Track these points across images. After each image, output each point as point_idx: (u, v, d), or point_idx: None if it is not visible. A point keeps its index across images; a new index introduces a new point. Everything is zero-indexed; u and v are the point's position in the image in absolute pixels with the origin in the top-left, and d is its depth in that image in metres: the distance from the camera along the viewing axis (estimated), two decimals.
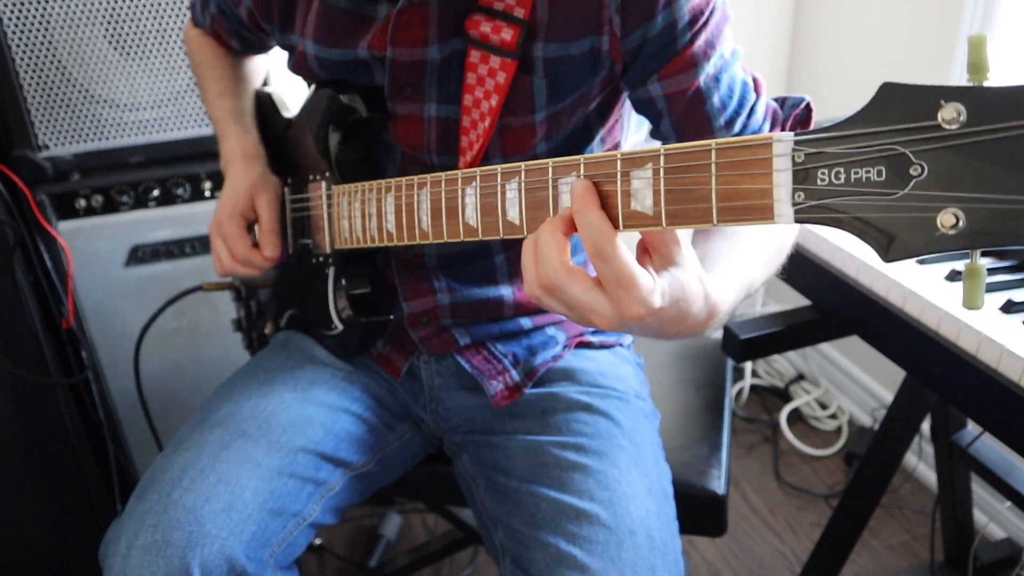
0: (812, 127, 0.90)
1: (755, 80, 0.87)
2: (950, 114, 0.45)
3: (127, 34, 1.40)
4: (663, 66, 0.81)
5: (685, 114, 0.84)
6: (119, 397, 1.59)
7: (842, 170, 0.50)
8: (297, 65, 0.96)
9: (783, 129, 0.89)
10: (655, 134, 0.90)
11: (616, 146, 1.00)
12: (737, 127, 0.85)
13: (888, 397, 2.04)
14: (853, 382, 2.17)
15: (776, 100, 0.91)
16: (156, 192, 1.50)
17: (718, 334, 1.33)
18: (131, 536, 0.84)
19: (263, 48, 1.17)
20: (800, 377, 2.32)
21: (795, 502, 1.93)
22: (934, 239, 0.47)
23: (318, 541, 1.79)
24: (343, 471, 0.99)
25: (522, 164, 0.67)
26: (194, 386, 1.64)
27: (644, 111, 0.88)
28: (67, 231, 1.45)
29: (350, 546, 1.82)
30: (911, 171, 0.47)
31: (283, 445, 0.94)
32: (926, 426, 1.72)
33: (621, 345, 1.12)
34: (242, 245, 1.01)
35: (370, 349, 1.07)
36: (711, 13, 0.80)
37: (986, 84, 0.44)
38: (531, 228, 0.67)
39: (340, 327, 1.00)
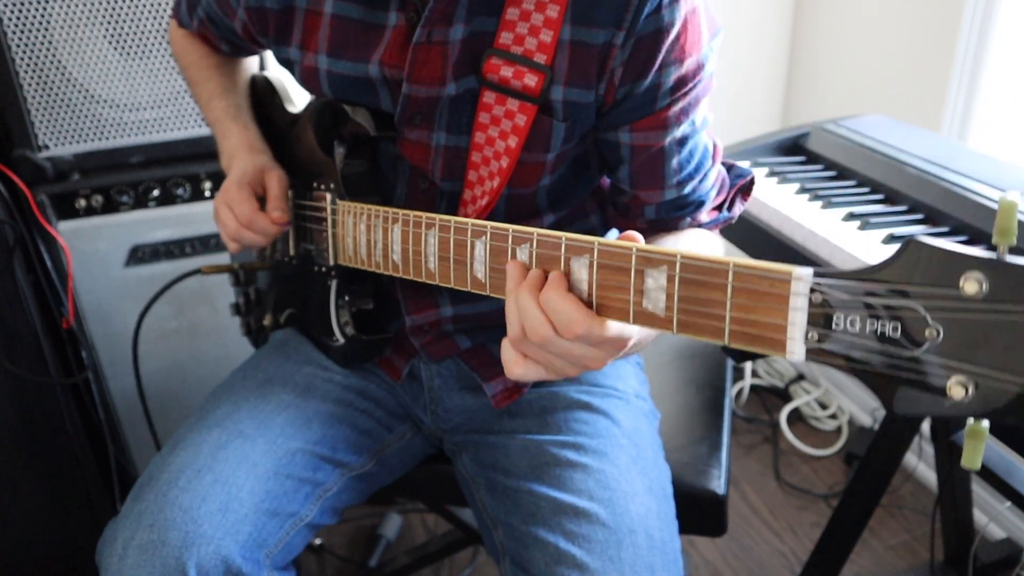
0: (750, 198, 0.97)
1: (715, 147, 0.91)
2: (973, 287, 0.45)
3: (127, 34, 1.40)
4: (637, 120, 0.84)
5: (643, 167, 0.87)
6: (119, 397, 1.59)
7: (858, 319, 0.50)
8: (306, 81, 0.95)
9: (726, 197, 0.95)
10: (608, 174, 0.93)
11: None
12: (687, 189, 0.89)
13: None
14: (853, 382, 2.17)
15: (724, 164, 0.96)
16: (156, 192, 1.50)
17: None
18: (127, 536, 0.85)
19: (253, 53, 1.16)
20: (800, 377, 2.32)
21: (795, 502, 1.93)
22: (941, 405, 0.47)
23: (318, 541, 1.79)
24: (341, 472, 0.99)
25: (535, 231, 0.68)
26: (194, 386, 1.64)
27: (607, 151, 0.90)
28: (67, 231, 1.45)
29: (350, 546, 1.82)
30: (927, 333, 0.47)
31: (281, 446, 0.94)
32: (926, 426, 1.72)
33: None
34: (248, 207, 0.98)
35: (371, 360, 1.07)
36: (695, 85, 0.83)
37: (1009, 258, 0.44)
38: None
39: (342, 341, 1.00)
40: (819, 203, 1.24)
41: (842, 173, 1.35)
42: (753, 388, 2.31)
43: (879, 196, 1.26)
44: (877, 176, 1.28)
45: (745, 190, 0.97)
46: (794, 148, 1.46)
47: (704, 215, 0.93)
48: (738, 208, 0.97)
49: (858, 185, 1.31)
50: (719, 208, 0.95)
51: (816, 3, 2.09)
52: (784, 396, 2.27)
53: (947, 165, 1.23)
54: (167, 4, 1.41)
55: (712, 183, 0.92)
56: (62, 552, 1.53)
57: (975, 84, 1.66)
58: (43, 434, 1.44)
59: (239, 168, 1.01)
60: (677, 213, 0.91)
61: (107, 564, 0.85)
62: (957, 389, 0.46)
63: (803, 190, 1.30)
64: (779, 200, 1.27)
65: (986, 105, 1.67)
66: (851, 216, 1.18)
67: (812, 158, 1.42)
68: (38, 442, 1.44)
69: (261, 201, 1.01)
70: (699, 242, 0.92)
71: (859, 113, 1.52)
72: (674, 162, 0.86)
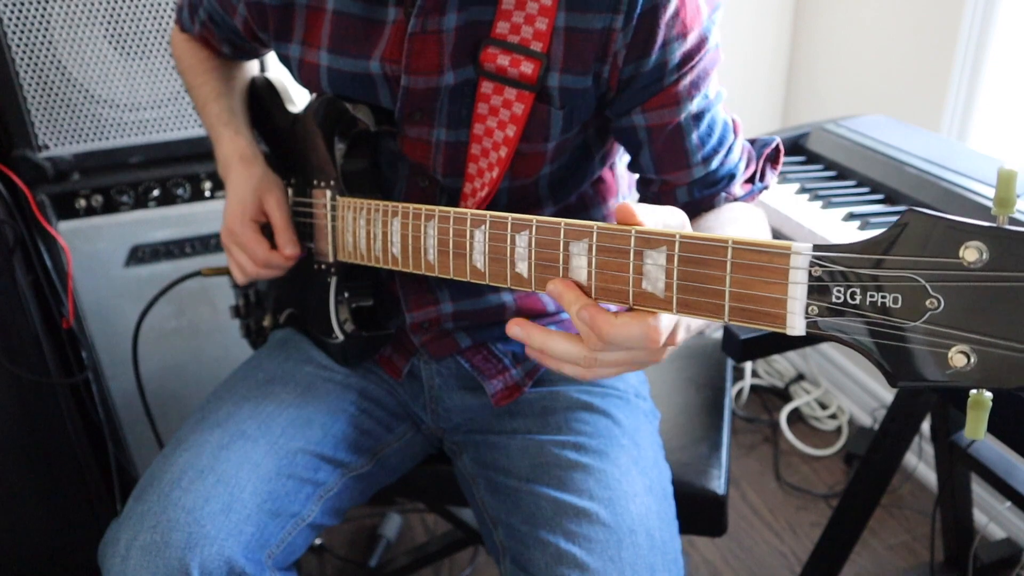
0: (780, 165, 0.95)
1: (734, 122, 0.91)
2: (973, 255, 0.45)
3: (127, 34, 1.40)
4: (648, 99, 0.84)
5: (665, 147, 0.86)
6: (119, 397, 1.59)
7: (858, 291, 0.50)
8: (305, 78, 0.95)
9: (756, 168, 0.94)
10: (633, 166, 0.92)
11: (613, 164, 1.02)
12: (714, 164, 0.88)
13: (888, 397, 2.04)
14: (853, 382, 2.17)
15: (748, 140, 0.95)
16: (156, 192, 1.50)
17: (718, 334, 1.32)
18: (130, 537, 0.85)
19: (255, 55, 1.16)
20: (800, 377, 2.32)
21: (795, 502, 1.93)
22: (943, 375, 0.47)
23: (318, 541, 1.79)
24: (342, 472, 0.99)
25: (533, 218, 0.67)
26: (194, 386, 1.64)
27: (625, 140, 0.90)
28: (67, 231, 1.45)
29: (350, 546, 1.82)
30: (928, 304, 0.47)
31: (282, 446, 0.94)
32: (926, 426, 1.72)
33: None
34: (261, 249, 0.99)
35: (371, 358, 1.07)
36: (701, 58, 0.83)
37: (1009, 227, 0.45)
38: (539, 285, 0.68)
39: (341, 338, 1.00)
40: (819, 203, 1.24)
41: (842, 173, 1.35)
42: (753, 388, 2.31)
43: (879, 196, 1.26)
44: (877, 176, 1.28)
45: (773, 158, 0.95)
46: (794, 148, 1.46)
47: (738, 188, 0.92)
48: (770, 177, 0.95)
49: (858, 185, 1.30)
50: (751, 181, 0.94)
51: (816, 3, 2.09)
52: (784, 396, 2.27)
53: (947, 165, 1.22)
54: (167, 4, 1.41)
55: (739, 156, 0.91)
56: (62, 552, 1.53)
57: (975, 84, 1.66)
58: (43, 434, 1.44)
59: (237, 196, 1.01)
60: (710, 191, 0.90)
61: (110, 565, 0.85)
62: (958, 358, 0.46)
63: (803, 190, 1.30)
64: (779, 200, 1.27)
65: (986, 105, 1.67)
66: (851, 216, 1.18)
67: (812, 158, 1.42)
68: (38, 442, 1.44)
69: (264, 227, 1.02)
70: (742, 216, 0.90)
71: (859, 113, 1.52)
72: (694, 137, 0.86)
